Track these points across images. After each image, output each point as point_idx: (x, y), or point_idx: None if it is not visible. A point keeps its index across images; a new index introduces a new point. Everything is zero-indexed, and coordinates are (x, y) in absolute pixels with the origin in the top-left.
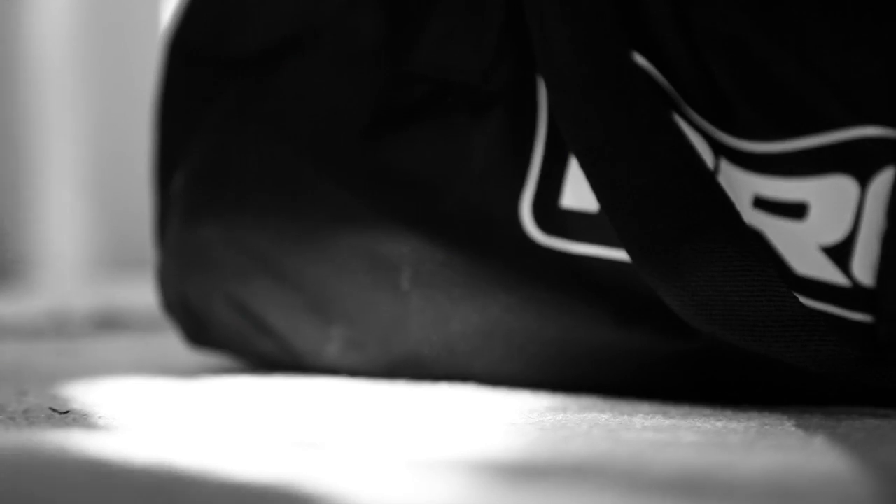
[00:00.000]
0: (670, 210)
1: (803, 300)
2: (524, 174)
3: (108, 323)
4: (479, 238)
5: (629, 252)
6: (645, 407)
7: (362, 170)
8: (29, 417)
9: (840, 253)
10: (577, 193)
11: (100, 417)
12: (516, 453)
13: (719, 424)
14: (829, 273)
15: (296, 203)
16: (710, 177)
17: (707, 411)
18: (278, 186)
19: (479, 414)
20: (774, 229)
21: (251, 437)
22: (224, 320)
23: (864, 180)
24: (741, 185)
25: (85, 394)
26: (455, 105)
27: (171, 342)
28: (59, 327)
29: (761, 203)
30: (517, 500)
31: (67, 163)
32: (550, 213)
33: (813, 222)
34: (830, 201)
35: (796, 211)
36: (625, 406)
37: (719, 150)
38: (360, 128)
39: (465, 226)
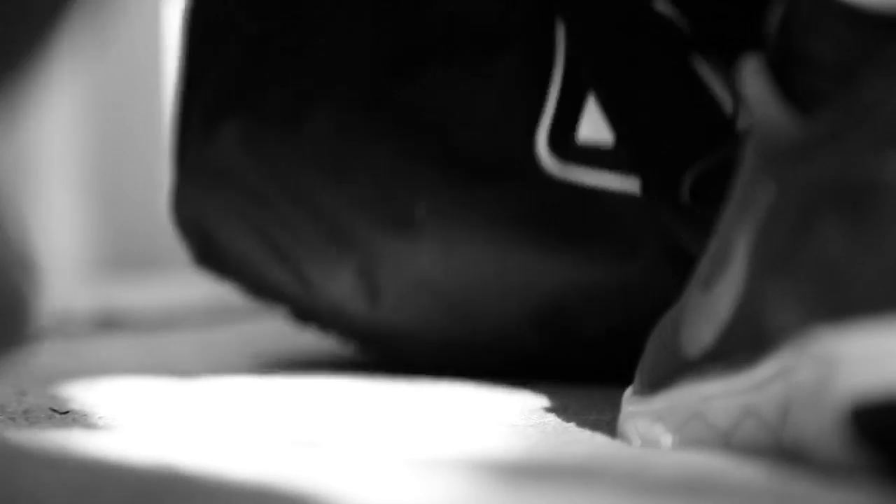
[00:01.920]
0: (685, 148)
1: None
2: (539, 110)
3: (109, 323)
4: (494, 173)
5: (642, 184)
6: None
7: (379, 107)
8: (29, 417)
9: None
10: (593, 128)
11: (100, 417)
12: (517, 454)
13: None
14: None
15: (314, 129)
16: (727, 120)
17: None
18: (298, 109)
19: (480, 414)
20: None
21: (251, 437)
22: (238, 243)
23: None
24: None
25: (85, 394)
26: (471, 45)
27: (171, 342)
28: (59, 327)
29: None
30: (518, 501)
31: (67, 162)
32: (566, 146)
33: None
34: None
35: None
36: None
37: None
38: (377, 67)
39: (480, 161)
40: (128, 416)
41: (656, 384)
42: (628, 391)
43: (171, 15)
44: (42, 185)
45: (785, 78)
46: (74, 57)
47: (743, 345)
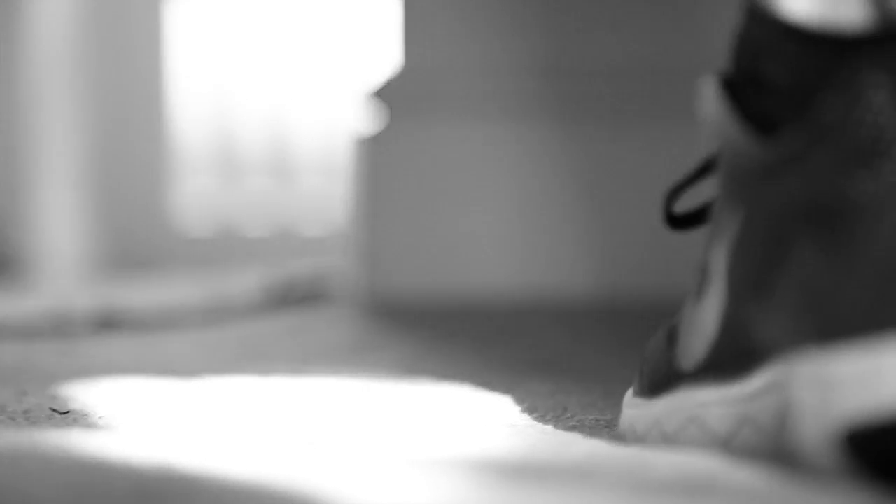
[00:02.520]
0: None
1: None
2: None
3: (108, 323)
4: None
5: None
6: None
7: None
8: (29, 417)
9: None
10: None
11: (100, 417)
12: (517, 453)
13: None
14: None
15: None
16: None
17: None
18: None
19: (480, 415)
20: None
21: (251, 437)
22: None
23: None
24: None
25: (85, 394)
26: None
27: (171, 342)
28: (59, 327)
29: None
30: (518, 500)
31: (67, 162)
32: None
33: None
34: None
35: None
36: None
37: None
38: None
39: None
40: (128, 416)
41: (655, 388)
42: (629, 393)
43: (172, 15)
44: (43, 184)
45: (742, 100)
46: (77, 57)
47: (732, 358)
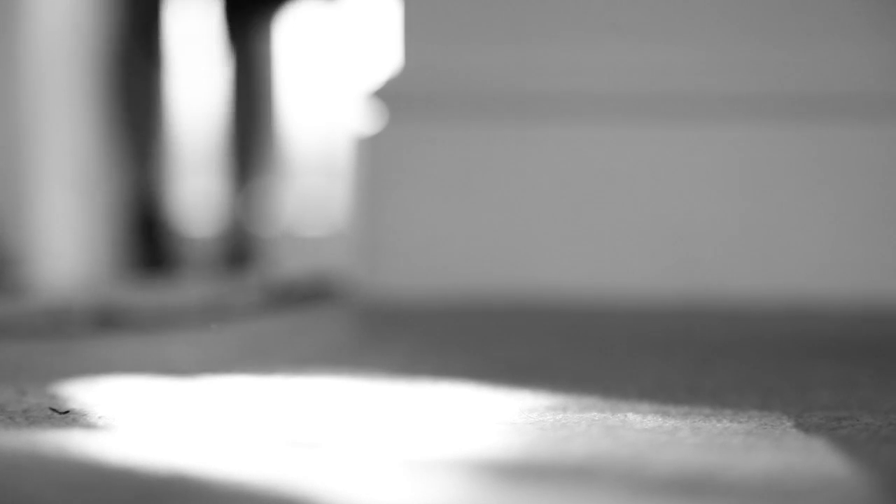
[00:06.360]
0: None
1: None
2: None
3: (108, 323)
4: None
5: None
6: (645, 407)
7: None
8: (29, 417)
9: None
10: None
11: (99, 417)
12: (516, 452)
13: (719, 425)
14: None
15: None
16: None
17: (707, 411)
18: None
19: (480, 414)
20: None
21: (251, 437)
22: None
23: None
24: None
25: (84, 393)
26: None
27: (171, 342)
28: (58, 326)
29: None
30: (517, 499)
31: (68, 161)
32: None
33: None
34: None
35: None
36: (625, 406)
37: None
38: None
39: None
40: (128, 416)
41: None
42: None
43: (172, 17)
44: (43, 184)
45: None
46: (76, 57)
47: None
